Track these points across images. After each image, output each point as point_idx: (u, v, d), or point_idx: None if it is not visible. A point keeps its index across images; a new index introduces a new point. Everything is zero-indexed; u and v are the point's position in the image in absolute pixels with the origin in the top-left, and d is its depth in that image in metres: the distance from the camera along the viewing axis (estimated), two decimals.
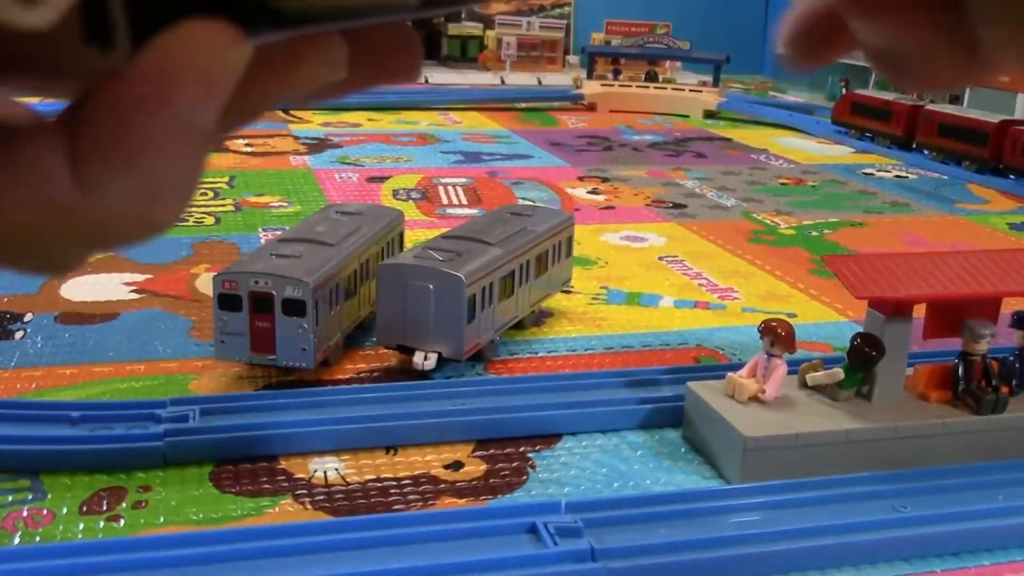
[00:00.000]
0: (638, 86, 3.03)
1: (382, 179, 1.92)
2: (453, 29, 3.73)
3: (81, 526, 0.74)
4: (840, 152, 2.47)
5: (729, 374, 0.89)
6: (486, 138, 2.44)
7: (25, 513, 0.75)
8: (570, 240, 1.19)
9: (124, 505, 0.77)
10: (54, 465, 0.81)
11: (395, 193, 1.81)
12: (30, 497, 0.78)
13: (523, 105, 2.99)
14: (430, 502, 0.80)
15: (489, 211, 1.19)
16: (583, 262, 1.43)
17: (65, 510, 0.76)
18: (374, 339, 1.10)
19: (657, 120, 2.83)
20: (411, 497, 0.80)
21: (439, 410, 0.91)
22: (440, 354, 0.98)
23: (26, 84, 0.19)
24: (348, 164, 2.06)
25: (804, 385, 0.90)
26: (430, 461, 0.86)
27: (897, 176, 2.19)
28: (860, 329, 0.89)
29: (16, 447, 0.82)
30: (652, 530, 0.74)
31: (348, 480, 0.82)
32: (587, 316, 1.22)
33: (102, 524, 0.75)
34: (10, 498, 0.77)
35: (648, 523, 0.75)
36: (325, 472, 0.83)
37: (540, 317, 1.20)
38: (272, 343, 0.94)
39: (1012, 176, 2.10)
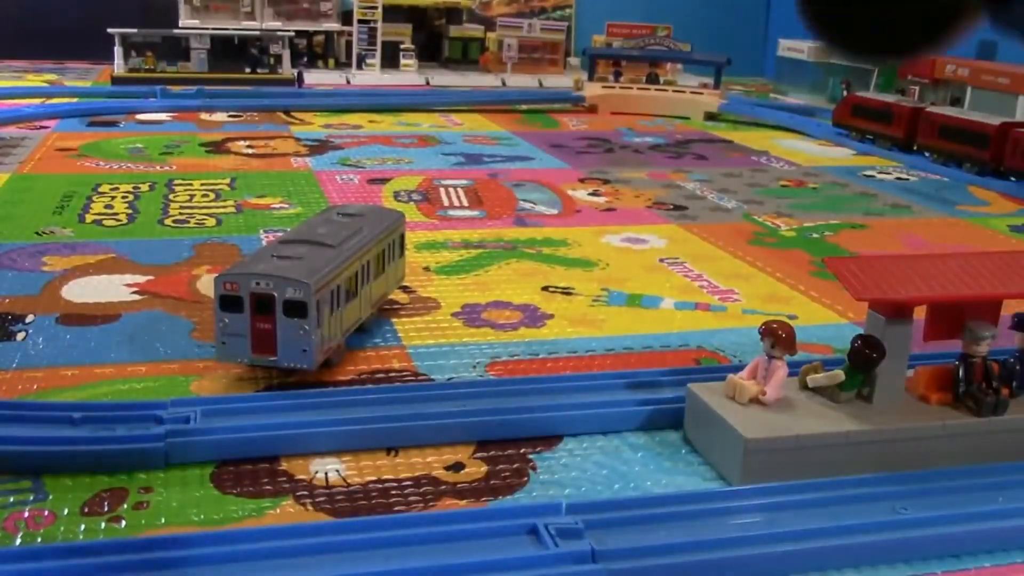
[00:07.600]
0: (639, 88, 3.03)
1: (383, 181, 1.92)
2: (454, 31, 3.73)
3: (82, 527, 0.74)
4: (841, 154, 2.47)
5: (730, 376, 0.89)
6: (487, 140, 2.44)
7: (26, 514, 0.76)
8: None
9: (125, 506, 0.77)
10: (55, 466, 0.81)
11: (396, 195, 1.81)
12: (31, 498, 0.78)
13: (524, 107, 2.99)
14: (431, 503, 0.80)
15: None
16: (584, 264, 1.43)
17: (66, 511, 0.76)
18: (374, 341, 1.10)
19: (658, 122, 2.84)
20: (412, 498, 0.80)
21: (440, 411, 0.91)
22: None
23: None
24: (349, 166, 2.06)
25: (805, 387, 0.90)
26: (431, 462, 0.86)
27: (898, 178, 2.19)
28: (861, 331, 0.89)
29: (18, 448, 0.82)
30: (653, 531, 0.74)
31: (349, 481, 0.82)
32: (588, 318, 1.22)
33: (103, 525, 0.75)
34: (11, 499, 0.78)
35: (649, 524, 0.75)
36: (326, 473, 0.83)
37: (538, 320, 1.20)
38: (273, 344, 0.94)
39: (1013, 178, 2.10)
